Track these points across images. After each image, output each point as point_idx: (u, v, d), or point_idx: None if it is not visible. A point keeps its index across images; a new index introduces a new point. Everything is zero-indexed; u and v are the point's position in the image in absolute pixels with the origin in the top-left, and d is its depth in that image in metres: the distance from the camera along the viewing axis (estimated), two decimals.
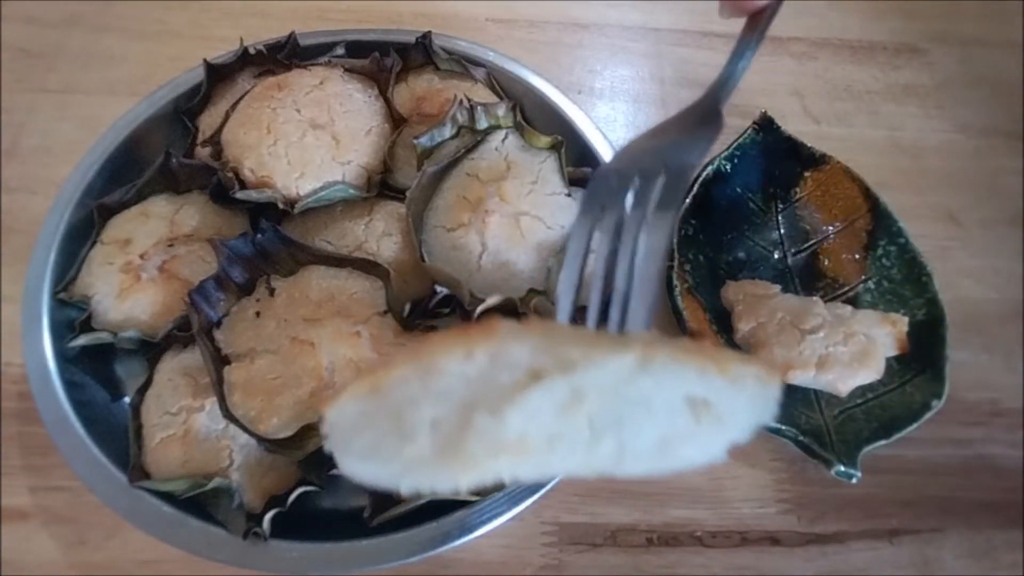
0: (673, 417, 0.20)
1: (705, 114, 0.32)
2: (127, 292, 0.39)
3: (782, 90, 0.60)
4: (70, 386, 0.38)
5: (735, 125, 0.53)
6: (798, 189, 0.51)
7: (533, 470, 0.20)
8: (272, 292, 0.40)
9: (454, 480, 0.19)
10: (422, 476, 0.19)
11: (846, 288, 0.47)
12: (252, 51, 0.48)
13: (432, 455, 0.19)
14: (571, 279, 0.29)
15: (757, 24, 0.32)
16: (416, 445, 0.19)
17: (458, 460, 0.19)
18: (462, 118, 0.44)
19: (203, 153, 0.45)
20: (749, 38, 0.32)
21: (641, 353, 0.19)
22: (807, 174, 0.51)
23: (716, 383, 0.20)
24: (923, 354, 0.43)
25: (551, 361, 0.19)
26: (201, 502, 0.35)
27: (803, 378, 0.41)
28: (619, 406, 0.19)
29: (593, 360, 0.19)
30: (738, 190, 0.50)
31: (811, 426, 0.42)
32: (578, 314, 0.29)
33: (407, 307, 0.39)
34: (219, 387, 0.35)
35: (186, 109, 0.47)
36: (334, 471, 0.36)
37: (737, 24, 0.64)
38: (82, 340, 0.38)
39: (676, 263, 0.45)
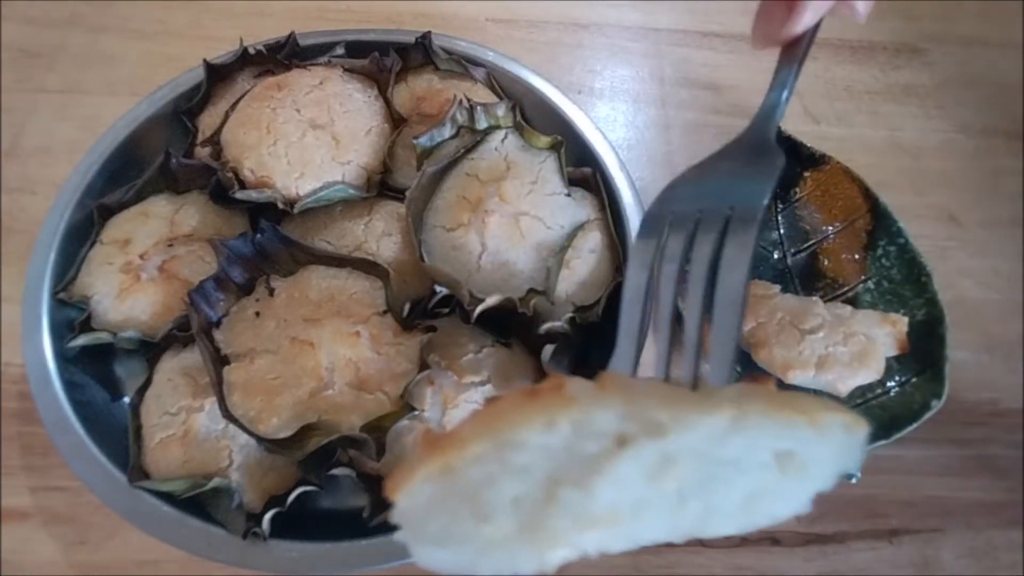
0: (761, 473, 0.19)
1: (757, 148, 0.30)
2: (127, 292, 0.39)
3: None
4: (70, 386, 0.38)
5: (735, 125, 0.53)
6: (798, 189, 0.51)
7: (619, 541, 0.19)
8: (272, 292, 0.40)
9: (539, 558, 0.18)
10: (503, 556, 0.18)
11: (846, 288, 0.47)
12: (252, 51, 0.48)
13: (515, 534, 0.18)
14: (632, 326, 0.27)
15: (795, 51, 0.30)
16: (496, 525, 0.18)
17: (543, 538, 0.18)
18: (462, 118, 0.44)
19: (203, 153, 0.45)
20: (789, 66, 0.30)
21: (733, 412, 0.18)
22: (807, 174, 0.51)
23: (804, 435, 0.19)
24: (923, 354, 0.43)
25: (638, 426, 0.18)
26: (201, 502, 0.35)
27: (803, 378, 0.41)
28: (709, 468, 0.18)
29: (684, 422, 0.18)
30: None
31: None
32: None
33: (407, 307, 0.39)
34: (219, 387, 0.35)
35: (186, 109, 0.47)
36: (334, 471, 0.36)
37: (737, 24, 0.64)
38: (82, 340, 0.38)
39: None
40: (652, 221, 0.29)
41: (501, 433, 0.17)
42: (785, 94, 0.30)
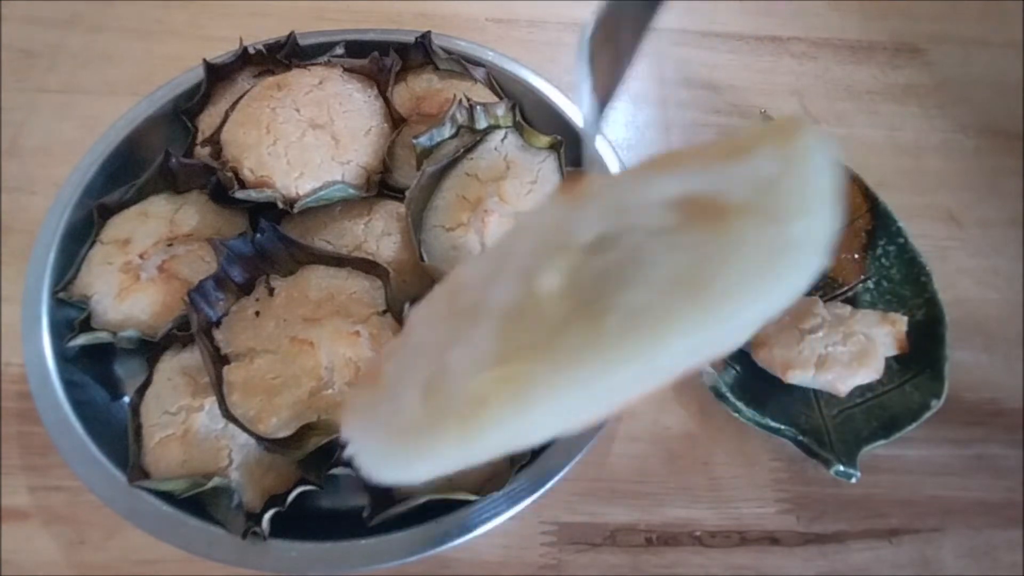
0: (670, 240, 0.15)
1: None
2: (126, 292, 0.39)
3: (782, 90, 0.60)
4: (70, 386, 0.38)
5: (735, 125, 0.53)
6: None
7: (549, 411, 0.16)
8: (271, 292, 0.40)
9: (455, 442, 0.16)
10: (423, 447, 0.17)
11: (845, 288, 0.47)
12: (252, 51, 0.48)
13: (425, 418, 0.16)
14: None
15: None
16: (409, 409, 0.16)
17: (453, 414, 0.16)
18: (461, 118, 0.44)
19: (203, 153, 0.45)
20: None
21: (563, 194, 0.15)
22: None
23: (706, 169, 0.15)
24: (923, 354, 0.43)
25: (496, 263, 0.16)
26: (200, 502, 0.35)
27: (802, 378, 0.41)
28: (585, 265, 0.15)
29: (518, 231, 0.16)
30: None
31: (810, 426, 0.42)
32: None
33: (406, 307, 0.39)
34: (218, 387, 0.35)
35: (186, 109, 0.47)
36: (334, 471, 0.36)
37: (737, 24, 0.64)
38: (81, 340, 0.38)
39: None
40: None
41: (404, 327, 0.17)
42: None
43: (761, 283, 0.15)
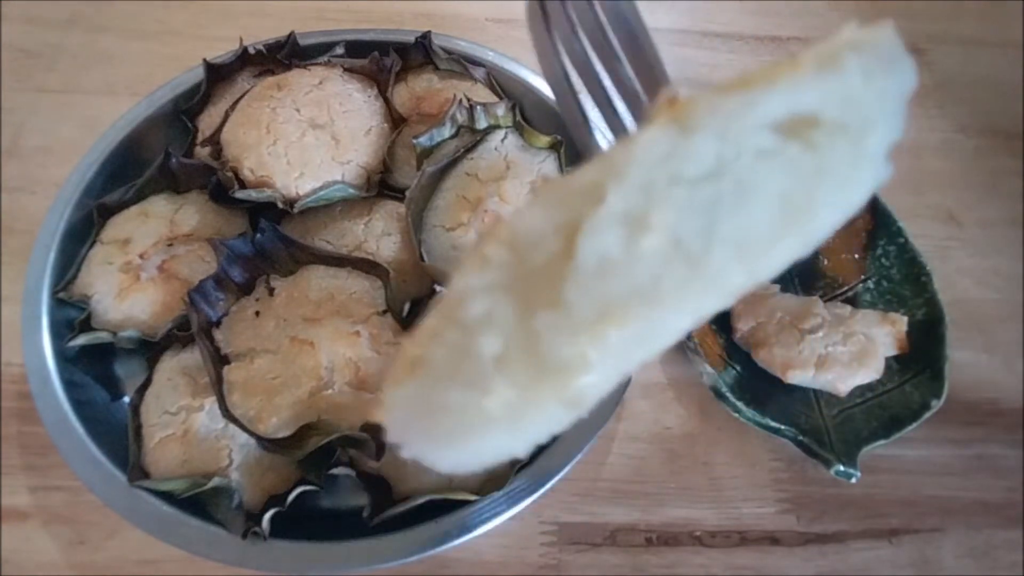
0: (774, 162, 0.15)
1: None
2: (126, 292, 0.39)
3: None
4: (70, 386, 0.38)
5: None
6: None
7: (654, 334, 0.15)
8: (271, 292, 0.40)
9: (562, 396, 0.15)
10: (532, 418, 0.15)
11: (845, 288, 0.47)
12: (252, 51, 0.48)
13: (521, 390, 0.15)
14: (573, 115, 0.25)
15: None
16: (495, 394, 0.15)
17: (552, 375, 0.15)
18: (461, 118, 0.44)
19: (203, 153, 0.45)
20: None
21: (670, 113, 0.14)
22: None
23: (804, 85, 0.15)
24: (923, 354, 0.43)
25: (575, 206, 0.14)
26: (200, 501, 0.35)
27: (802, 378, 0.41)
28: (694, 197, 0.14)
29: (618, 169, 0.14)
30: None
31: (810, 426, 0.42)
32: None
33: (406, 307, 0.39)
34: (218, 387, 0.35)
35: (186, 109, 0.47)
36: (334, 470, 0.36)
37: (737, 24, 0.64)
38: (81, 340, 0.38)
39: None
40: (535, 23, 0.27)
41: (444, 300, 0.15)
42: None
43: (844, 195, 0.17)
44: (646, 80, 0.23)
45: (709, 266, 0.15)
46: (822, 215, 0.16)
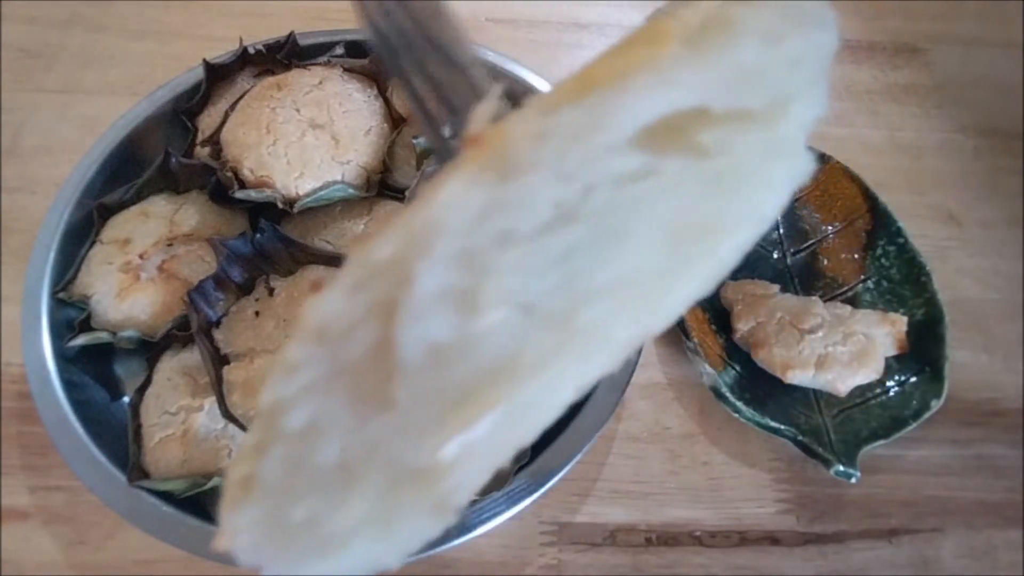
0: (642, 188, 0.11)
1: None
2: (126, 292, 0.39)
3: None
4: (70, 386, 0.38)
5: None
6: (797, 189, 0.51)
7: (532, 411, 0.13)
8: (271, 292, 0.40)
9: (425, 500, 0.13)
10: (394, 523, 0.13)
11: (845, 288, 0.47)
12: (252, 51, 0.48)
13: (374, 500, 0.13)
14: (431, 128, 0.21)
15: None
16: (347, 506, 0.13)
17: (405, 482, 0.12)
18: None
19: (202, 153, 0.45)
20: None
21: (476, 161, 0.10)
22: None
23: (663, 82, 0.10)
24: (922, 354, 0.43)
25: (381, 285, 0.11)
26: (200, 502, 0.35)
27: (802, 378, 0.41)
28: (532, 253, 0.11)
29: (420, 236, 0.11)
30: None
31: (810, 426, 0.42)
32: None
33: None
34: (218, 387, 0.35)
35: (185, 109, 0.47)
36: None
37: None
38: (81, 340, 0.38)
39: None
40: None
41: (260, 411, 0.13)
42: None
43: (762, 194, 0.12)
44: (464, 93, 0.17)
45: (581, 326, 0.12)
46: (729, 237, 0.12)
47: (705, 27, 0.11)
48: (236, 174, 0.42)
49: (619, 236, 0.11)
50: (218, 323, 0.39)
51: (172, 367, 0.38)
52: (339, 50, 0.49)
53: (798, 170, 0.13)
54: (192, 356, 0.38)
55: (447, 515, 0.13)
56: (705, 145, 0.11)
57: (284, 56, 0.48)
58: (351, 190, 0.42)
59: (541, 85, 0.48)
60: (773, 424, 0.41)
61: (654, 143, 0.11)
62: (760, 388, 0.43)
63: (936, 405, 0.41)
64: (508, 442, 0.13)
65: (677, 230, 0.11)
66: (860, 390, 0.42)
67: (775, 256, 0.50)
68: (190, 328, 0.37)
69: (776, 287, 0.46)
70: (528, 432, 0.13)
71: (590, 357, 0.12)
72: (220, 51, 0.48)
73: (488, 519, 0.35)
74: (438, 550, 0.34)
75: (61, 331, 0.39)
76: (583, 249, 0.11)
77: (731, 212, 0.12)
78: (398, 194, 0.43)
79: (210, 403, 0.36)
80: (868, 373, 0.41)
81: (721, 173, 0.11)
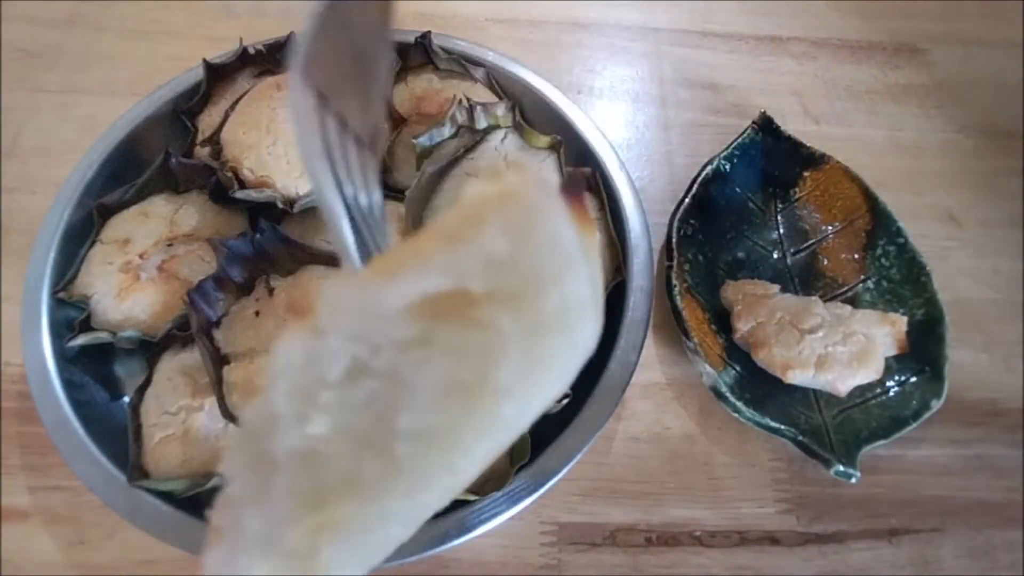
0: (422, 353, 0.14)
1: None
2: (126, 292, 0.39)
3: (782, 90, 0.60)
4: (70, 386, 0.38)
5: (735, 125, 0.53)
6: (797, 189, 0.51)
7: (390, 531, 0.16)
8: (271, 292, 0.40)
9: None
10: (331, 548, 0.15)
11: (845, 288, 0.47)
12: (252, 51, 0.48)
13: (275, 569, 0.15)
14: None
15: None
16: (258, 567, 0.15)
17: (292, 560, 0.15)
18: (461, 118, 0.44)
19: (202, 153, 0.45)
20: None
21: (299, 323, 0.14)
22: (806, 174, 0.51)
23: (434, 264, 0.14)
24: (922, 354, 0.43)
25: (261, 412, 0.15)
26: (200, 501, 0.35)
27: (802, 378, 0.41)
28: (347, 400, 0.14)
29: (271, 377, 0.15)
30: (737, 190, 0.50)
31: (810, 426, 0.42)
32: None
33: None
34: (218, 387, 0.35)
35: (185, 109, 0.47)
36: None
37: (737, 24, 0.64)
38: (81, 340, 0.38)
39: (675, 263, 0.45)
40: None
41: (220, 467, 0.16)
42: None
43: (537, 365, 0.15)
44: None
45: (400, 463, 0.14)
46: (509, 400, 0.14)
47: (458, 229, 0.14)
48: (236, 174, 0.42)
49: (407, 389, 0.14)
50: (218, 323, 0.39)
51: (172, 367, 0.38)
52: None
53: (586, 333, 0.15)
54: (192, 356, 0.38)
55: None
56: (481, 318, 0.14)
57: (284, 56, 0.48)
58: None
59: (541, 85, 0.48)
60: (773, 424, 0.41)
61: (433, 316, 0.14)
62: (760, 388, 0.43)
63: (936, 405, 0.41)
64: (384, 536, 0.16)
65: (452, 389, 0.14)
66: (860, 390, 0.42)
67: (775, 256, 0.50)
68: (190, 328, 0.37)
69: (776, 287, 0.46)
70: (397, 534, 0.16)
71: (415, 495, 0.15)
72: (220, 51, 0.48)
73: (488, 519, 0.35)
74: (438, 550, 0.34)
75: (61, 331, 0.39)
76: (381, 397, 0.14)
77: (503, 378, 0.14)
78: (398, 194, 0.43)
79: (210, 403, 0.36)
80: (868, 373, 0.41)
81: (500, 340, 0.14)
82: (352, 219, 0.22)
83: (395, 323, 0.14)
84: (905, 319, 0.43)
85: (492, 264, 0.14)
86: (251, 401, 0.15)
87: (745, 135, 0.51)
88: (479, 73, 0.49)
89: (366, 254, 0.22)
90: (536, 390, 0.15)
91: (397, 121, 0.46)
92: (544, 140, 0.46)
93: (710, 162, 0.49)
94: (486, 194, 0.14)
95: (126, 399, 0.40)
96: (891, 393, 0.43)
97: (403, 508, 0.15)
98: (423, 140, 0.43)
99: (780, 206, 0.51)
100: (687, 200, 0.48)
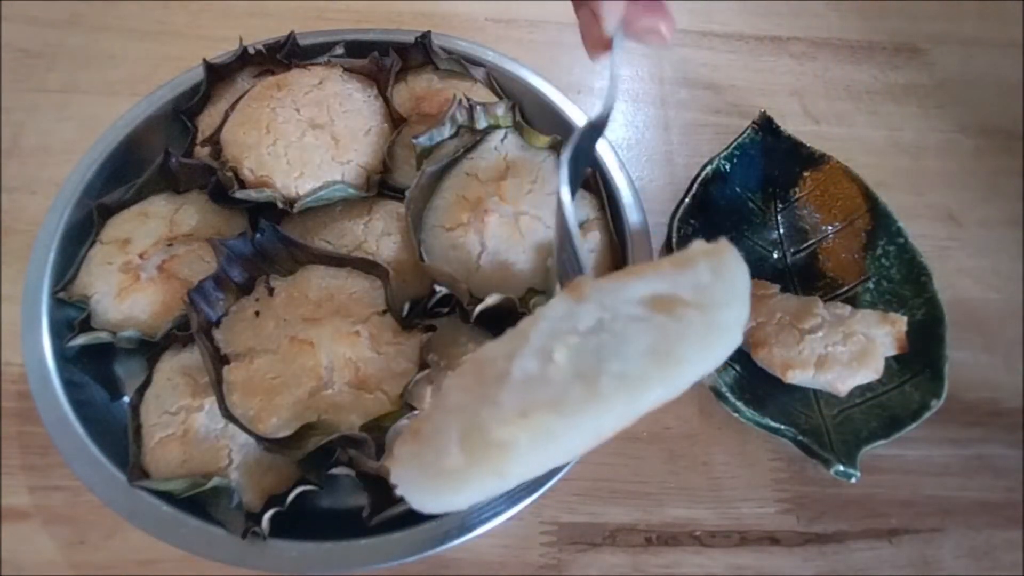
0: (643, 325, 0.22)
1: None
2: (126, 292, 0.39)
3: (782, 90, 0.60)
4: (70, 386, 0.38)
5: (735, 125, 0.53)
6: (797, 189, 0.51)
7: (561, 444, 0.21)
8: (271, 292, 0.40)
9: (495, 476, 0.21)
10: (473, 484, 0.22)
11: (845, 288, 0.47)
12: (252, 51, 0.48)
13: (466, 459, 0.21)
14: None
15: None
16: (451, 455, 0.21)
17: (486, 457, 0.21)
18: (461, 118, 0.44)
19: (202, 153, 0.45)
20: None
21: (568, 292, 0.22)
22: (806, 174, 0.51)
23: (665, 277, 0.22)
24: (922, 354, 0.43)
25: (508, 351, 0.22)
26: (200, 501, 0.35)
27: (802, 378, 0.41)
28: (585, 343, 0.21)
29: (536, 320, 0.22)
30: (737, 190, 0.50)
31: (810, 426, 0.42)
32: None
33: (406, 306, 0.39)
34: (218, 387, 0.35)
35: (186, 109, 0.47)
36: (333, 470, 0.36)
37: (737, 24, 0.64)
38: (81, 340, 0.38)
39: None
40: None
41: (438, 393, 0.23)
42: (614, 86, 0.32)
43: (702, 351, 0.22)
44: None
45: (600, 391, 0.21)
46: (686, 367, 0.22)
47: (681, 262, 0.23)
48: (236, 174, 0.42)
49: (624, 345, 0.22)
50: (218, 323, 0.39)
51: (172, 367, 0.38)
52: (339, 50, 0.49)
53: (730, 342, 0.23)
54: (192, 356, 0.38)
55: (506, 482, 0.22)
56: (679, 314, 0.22)
57: (284, 56, 0.48)
58: (351, 190, 0.42)
59: (541, 85, 0.48)
60: (773, 424, 0.41)
61: (654, 305, 0.22)
62: (760, 388, 0.43)
63: (936, 405, 0.41)
64: (552, 453, 0.22)
65: (655, 352, 0.22)
66: (860, 390, 0.42)
67: (775, 256, 0.50)
68: (190, 328, 0.37)
69: (776, 287, 0.46)
70: (562, 453, 0.22)
71: (599, 417, 0.22)
72: (220, 51, 0.48)
73: (488, 519, 0.35)
74: (438, 550, 0.34)
75: (61, 331, 0.39)
76: (607, 347, 0.22)
77: (685, 352, 0.22)
78: (398, 194, 0.43)
79: (210, 403, 0.36)
80: (868, 373, 0.41)
81: (683, 330, 0.22)
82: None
83: (631, 304, 0.22)
84: (905, 319, 0.43)
85: (698, 286, 0.23)
86: (491, 342, 0.23)
87: (745, 135, 0.51)
88: (479, 73, 0.49)
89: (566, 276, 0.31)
90: (700, 365, 0.22)
91: (397, 121, 0.46)
92: (544, 140, 0.46)
93: (710, 162, 0.49)
94: (704, 247, 0.23)
95: (126, 399, 0.40)
96: (891, 393, 0.43)
97: (588, 425, 0.22)
98: (423, 140, 0.43)
99: (780, 206, 0.51)
100: (687, 200, 0.48)
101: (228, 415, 0.34)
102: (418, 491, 0.22)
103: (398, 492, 0.22)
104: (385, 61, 0.47)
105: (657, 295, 0.22)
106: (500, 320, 0.39)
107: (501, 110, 0.46)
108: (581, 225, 0.43)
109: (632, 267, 0.23)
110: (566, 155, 0.31)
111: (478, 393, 0.22)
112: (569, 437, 0.21)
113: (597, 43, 0.32)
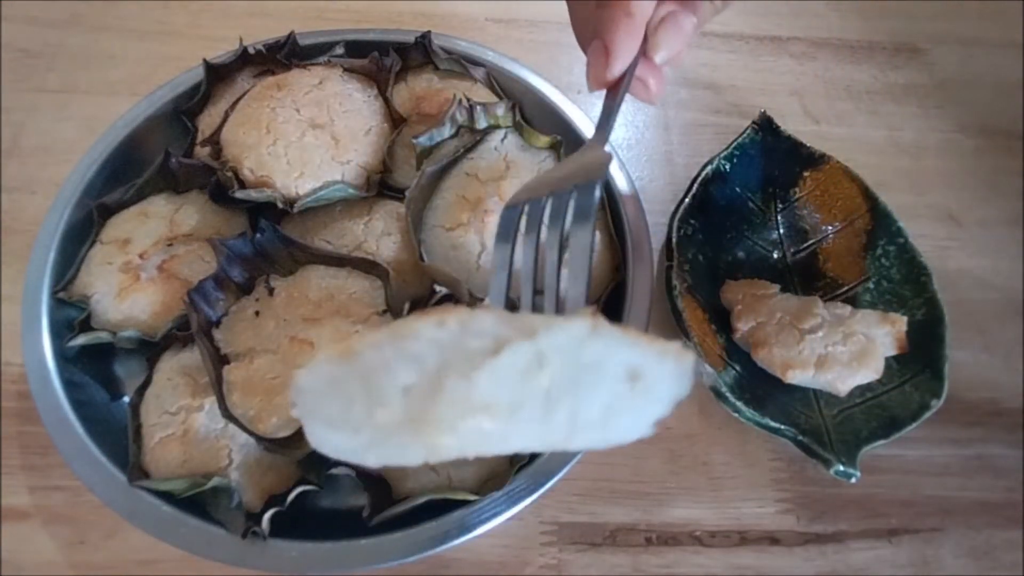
0: (615, 385, 0.21)
1: (593, 148, 0.34)
2: (126, 292, 0.39)
3: (782, 90, 0.60)
4: (70, 386, 0.38)
5: (735, 125, 0.53)
6: (797, 189, 0.51)
7: (496, 441, 0.20)
8: (271, 292, 0.40)
9: (426, 447, 0.20)
10: (393, 446, 0.20)
11: (845, 288, 0.47)
12: (252, 51, 0.48)
13: (403, 421, 0.19)
14: (501, 288, 0.30)
15: (617, 88, 0.33)
16: (388, 410, 0.19)
17: (430, 426, 0.19)
18: (461, 118, 0.44)
19: (202, 153, 0.45)
20: (612, 99, 0.33)
21: (592, 321, 0.20)
22: (806, 174, 0.51)
23: (648, 354, 0.21)
24: (922, 354, 0.43)
25: (514, 330, 0.20)
26: (200, 501, 0.35)
27: (802, 378, 0.41)
28: (575, 371, 0.20)
29: (552, 327, 0.20)
30: (737, 190, 0.50)
31: (810, 426, 0.42)
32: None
33: (406, 307, 0.39)
34: (218, 387, 0.35)
35: (186, 109, 0.47)
36: (334, 470, 0.36)
37: (737, 24, 0.64)
38: (81, 340, 0.38)
39: (675, 263, 0.45)
40: (509, 210, 0.32)
41: (399, 328, 0.19)
42: (612, 119, 0.33)
43: (636, 418, 0.22)
44: (574, 290, 0.28)
45: (552, 417, 0.20)
46: (620, 426, 0.22)
47: (663, 351, 0.21)
48: (236, 174, 0.42)
49: (592, 396, 0.21)
50: (218, 323, 0.39)
51: (172, 367, 0.38)
52: (339, 50, 0.49)
53: (656, 413, 0.22)
54: (192, 356, 0.38)
55: (431, 458, 0.20)
56: (635, 384, 0.21)
57: (284, 56, 0.48)
58: (351, 190, 0.42)
59: (541, 85, 0.48)
60: (773, 424, 0.41)
61: (629, 374, 0.21)
62: (760, 388, 0.43)
63: (936, 405, 0.41)
64: (482, 446, 0.21)
65: (607, 408, 0.21)
66: (860, 390, 0.42)
67: (775, 256, 0.50)
68: (190, 328, 0.37)
69: (776, 287, 0.46)
70: (491, 448, 0.21)
71: (537, 437, 0.21)
72: (220, 51, 0.48)
73: (488, 519, 0.35)
74: (438, 550, 0.34)
75: (61, 331, 0.39)
76: (583, 382, 0.21)
77: (626, 416, 0.22)
78: (398, 194, 0.43)
79: (210, 403, 0.36)
80: (868, 373, 0.41)
81: (634, 399, 0.21)
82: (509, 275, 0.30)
83: (618, 366, 0.21)
84: (905, 319, 0.43)
85: (653, 367, 0.22)
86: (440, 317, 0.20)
87: (745, 135, 0.51)
88: (479, 73, 0.49)
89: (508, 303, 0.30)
90: (625, 429, 0.22)
91: (397, 121, 0.46)
92: (544, 140, 0.46)
93: (710, 162, 0.49)
94: (670, 347, 0.22)
95: (126, 399, 0.40)
96: (891, 393, 0.43)
97: (515, 439, 0.21)
98: (423, 140, 0.43)
99: (780, 206, 0.51)
100: (687, 200, 0.48)
101: (228, 415, 0.34)
102: (322, 423, 0.20)
103: (294, 413, 0.20)
104: (385, 61, 0.47)
105: (636, 369, 0.21)
106: None
107: (501, 110, 0.46)
108: None
109: (623, 327, 0.22)
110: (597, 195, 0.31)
111: (453, 357, 0.19)
112: (499, 440, 0.21)
113: (602, 82, 0.32)
